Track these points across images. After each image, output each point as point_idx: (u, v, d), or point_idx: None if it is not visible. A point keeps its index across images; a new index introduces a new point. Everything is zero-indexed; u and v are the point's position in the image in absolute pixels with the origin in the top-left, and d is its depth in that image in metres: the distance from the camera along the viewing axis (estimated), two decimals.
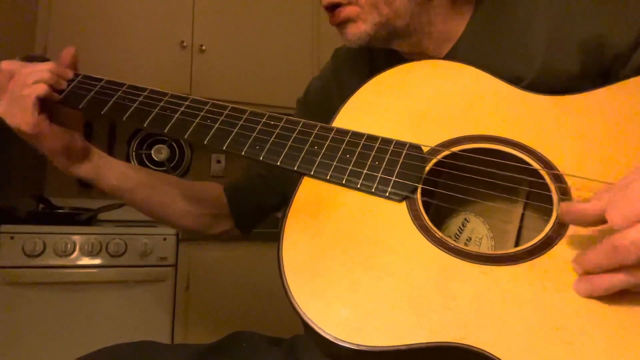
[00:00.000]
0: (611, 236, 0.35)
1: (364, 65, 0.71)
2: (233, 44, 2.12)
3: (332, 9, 0.60)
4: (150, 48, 1.98)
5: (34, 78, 0.60)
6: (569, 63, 0.54)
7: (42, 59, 0.66)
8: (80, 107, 0.62)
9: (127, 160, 2.19)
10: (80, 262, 1.58)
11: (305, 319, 0.41)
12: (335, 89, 0.74)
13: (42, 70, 0.61)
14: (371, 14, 0.58)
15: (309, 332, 0.41)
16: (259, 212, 0.82)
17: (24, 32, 1.79)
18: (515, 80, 0.54)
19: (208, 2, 2.09)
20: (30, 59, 0.65)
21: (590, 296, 0.37)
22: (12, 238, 1.52)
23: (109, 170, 0.71)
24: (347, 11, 0.59)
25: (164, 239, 1.67)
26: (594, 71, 0.53)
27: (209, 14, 2.09)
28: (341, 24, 0.60)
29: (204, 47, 2.05)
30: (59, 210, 1.81)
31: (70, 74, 0.65)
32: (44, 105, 0.62)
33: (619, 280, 0.36)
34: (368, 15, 0.58)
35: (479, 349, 0.37)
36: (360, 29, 0.59)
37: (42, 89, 0.60)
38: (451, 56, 0.62)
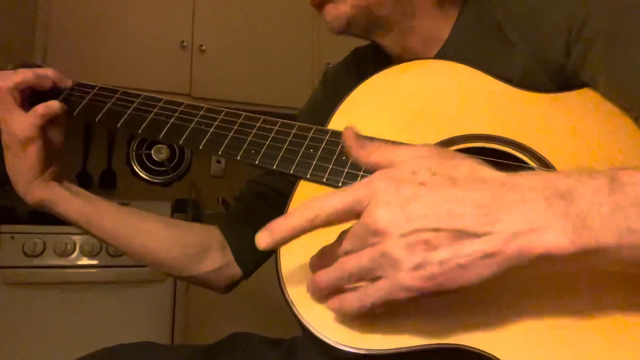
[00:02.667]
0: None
1: (353, 78, 0.71)
2: (233, 44, 2.11)
3: None
4: (150, 48, 1.98)
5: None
6: (554, 51, 0.52)
7: (35, 66, 0.65)
8: (74, 114, 0.62)
9: (127, 160, 2.19)
10: (80, 262, 1.59)
11: (305, 323, 0.41)
12: (325, 106, 0.72)
13: (16, 73, 0.60)
14: None
15: (308, 336, 0.41)
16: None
17: (24, 32, 1.79)
18: (505, 81, 0.53)
19: (208, 2, 2.09)
20: (24, 67, 0.65)
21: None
22: (12, 238, 1.52)
23: (75, 193, 0.65)
24: None
25: None
26: (560, 84, 0.52)
27: (209, 14, 2.09)
28: (320, 4, 0.60)
29: (204, 47, 2.05)
30: None
31: (68, 82, 0.64)
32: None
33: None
34: None
35: (480, 350, 0.37)
36: (339, 10, 0.58)
37: (9, 83, 0.58)
38: (440, 58, 0.61)
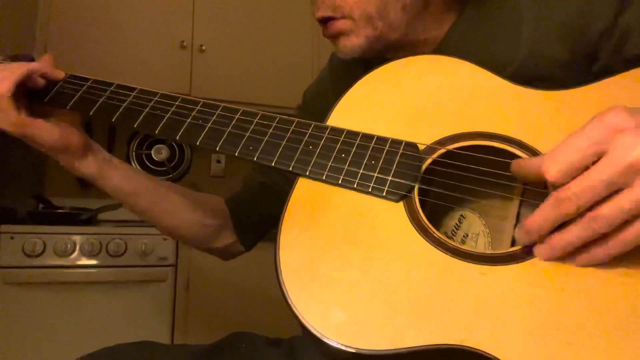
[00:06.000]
0: (555, 191, 0.37)
1: (359, 67, 0.71)
2: (233, 44, 2.11)
3: (325, 21, 0.59)
4: (150, 48, 1.98)
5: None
6: (555, 48, 0.53)
7: (28, 58, 0.65)
8: (67, 107, 0.62)
9: (127, 160, 2.19)
10: (80, 262, 1.58)
11: (305, 323, 0.41)
12: (331, 92, 0.73)
13: (7, 69, 0.59)
14: (365, 27, 0.57)
15: (308, 335, 0.40)
16: (262, 223, 0.79)
17: (24, 32, 1.79)
18: (504, 63, 0.54)
19: (208, 2, 2.09)
20: (15, 58, 0.65)
21: (551, 258, 0.39)
22: (12, 238, 1.52)
23: (114, 169, 0.67)
24: (340, 25, 0.58)
25: (164, 239, 1.67)
26: (581, 54, 0.53)
27: (209, 14, 2.09)
28: (334, 37, 0.60)
29: (204, 47, 2.05)
30: (59, 210, 1.81)
31: (60, 74, 0.64)
32: (32, 105, 0.61)
33: (572, 234, 0.37)
34: (362, 29, 0.57)
35: (480, 350, 0.37)
36: (353, 42, 0.58)
37: (5, 87, 0.57)
38: (442, 47, 0.61)
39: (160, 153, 2.19)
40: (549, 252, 0.39)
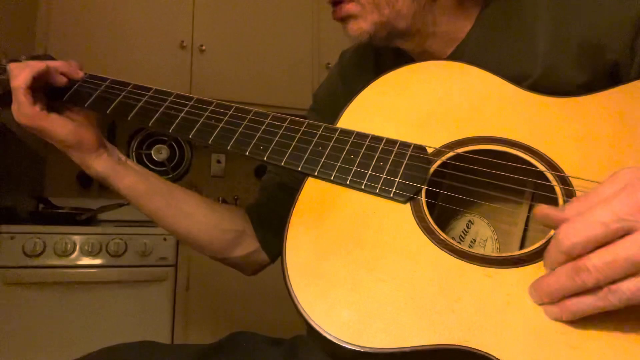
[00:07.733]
0: (574, 261, 0.35)
1: (370, 67, 0.71)
2: (233, 44, 2.11)
3: (335, 4, 0.61)
4: (150, 48, 1.98)
5: (17, 71, 0.60)
6: (573, 71, 0.53)
7: (48, 58, 0.66)
8: (85, 106, 0.63)
9: None
10: (80, 262, 1.58)
11: (309, 320, 0.41)
12: (341, 92, 0.73)
13: (28, 65, 0.60)
14: (372, 13, 0.58)
15: (312, 333, 0.41)
16: (284, 225, 0.76)
17: (24, 32, 1.78)
18: (520, 78, 0.53)
19: (208, 2, 2.09)
20: (35, 58, 0.66)
21: (559, 319, 0.37)
22: (12, 238, 1.52)
23: (129, 169, 0.67)
24: (348, 8, 0.59)
25: (164, 239, 1.67)
26: (602, 75, 0.52)
27: (209, 14, 2.09)
28: (343, 19, 0.61)
29: (204, 47, 2.05)
30: (59, 210, 1.81)
31: (79, 74, 0.65)
32: (51, 104, 0.63)
33: (585, 303, 0.35)
34: (369, 14, 0.58)
35: (483, 351, 0.37)
36: (360, 27, 0.59)
37: (22, 79, 0.59)
38: (457, 55, 0.61)
39: (160, 153, 2.19)
40: (557, 315, 0.37)
